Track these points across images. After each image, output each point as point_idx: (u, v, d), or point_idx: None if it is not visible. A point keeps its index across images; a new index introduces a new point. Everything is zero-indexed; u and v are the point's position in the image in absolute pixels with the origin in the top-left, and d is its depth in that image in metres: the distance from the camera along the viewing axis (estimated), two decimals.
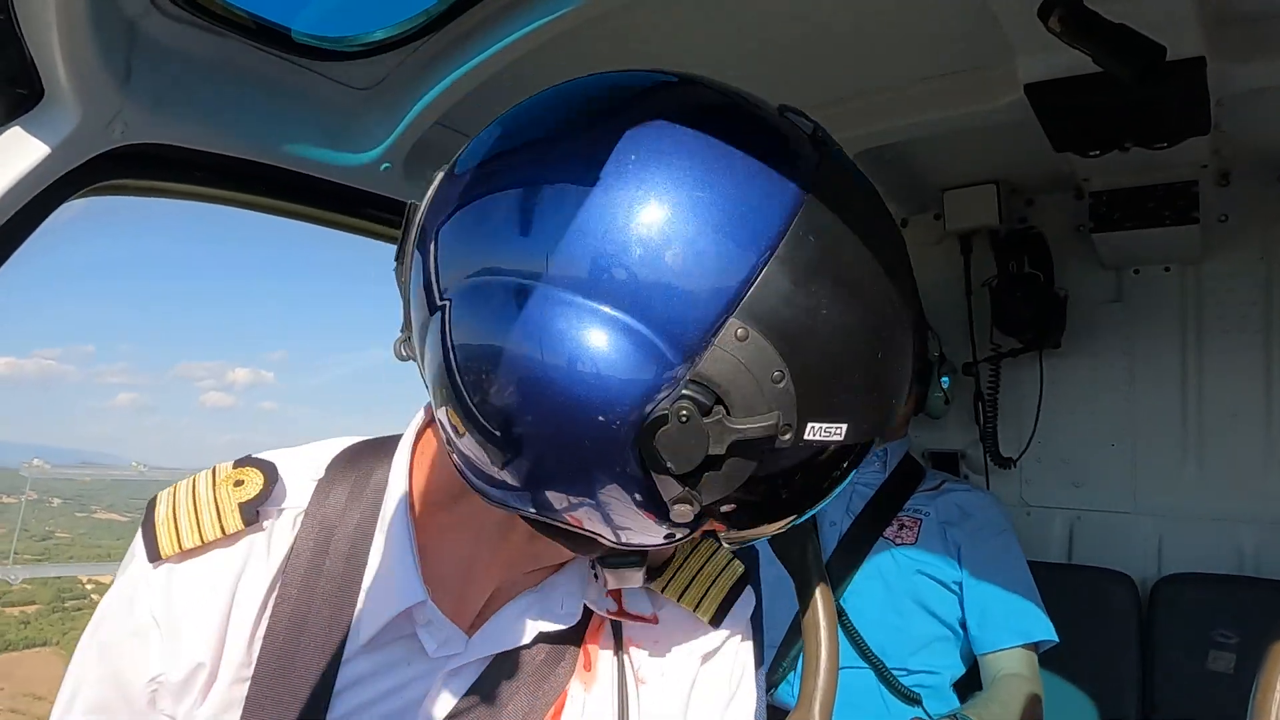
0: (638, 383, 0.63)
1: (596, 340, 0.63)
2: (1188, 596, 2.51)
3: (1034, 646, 2.19)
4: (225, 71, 1.40)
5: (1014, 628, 2.18)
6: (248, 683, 0.83)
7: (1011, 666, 2.16)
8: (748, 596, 1.00)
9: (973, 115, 2.10)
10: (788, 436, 0.64)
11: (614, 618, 0.94)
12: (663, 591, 0.95)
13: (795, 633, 2.21)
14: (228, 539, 0.85)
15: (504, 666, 0.89)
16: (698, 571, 0.96)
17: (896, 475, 2.44)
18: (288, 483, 0.90)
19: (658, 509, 0.67)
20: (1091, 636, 2.52)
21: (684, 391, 0.63)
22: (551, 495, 0.69)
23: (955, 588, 2.26)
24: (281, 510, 0.89)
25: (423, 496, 0.90)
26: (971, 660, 2.27)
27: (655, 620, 0.94)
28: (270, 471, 0.90)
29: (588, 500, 0.68)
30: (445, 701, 0.86)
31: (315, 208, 1.66)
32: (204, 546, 0.85)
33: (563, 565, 0.93)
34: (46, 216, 1.22)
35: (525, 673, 0.89)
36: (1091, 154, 2.17)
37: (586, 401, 0.63)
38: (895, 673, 2.21)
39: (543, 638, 0.90)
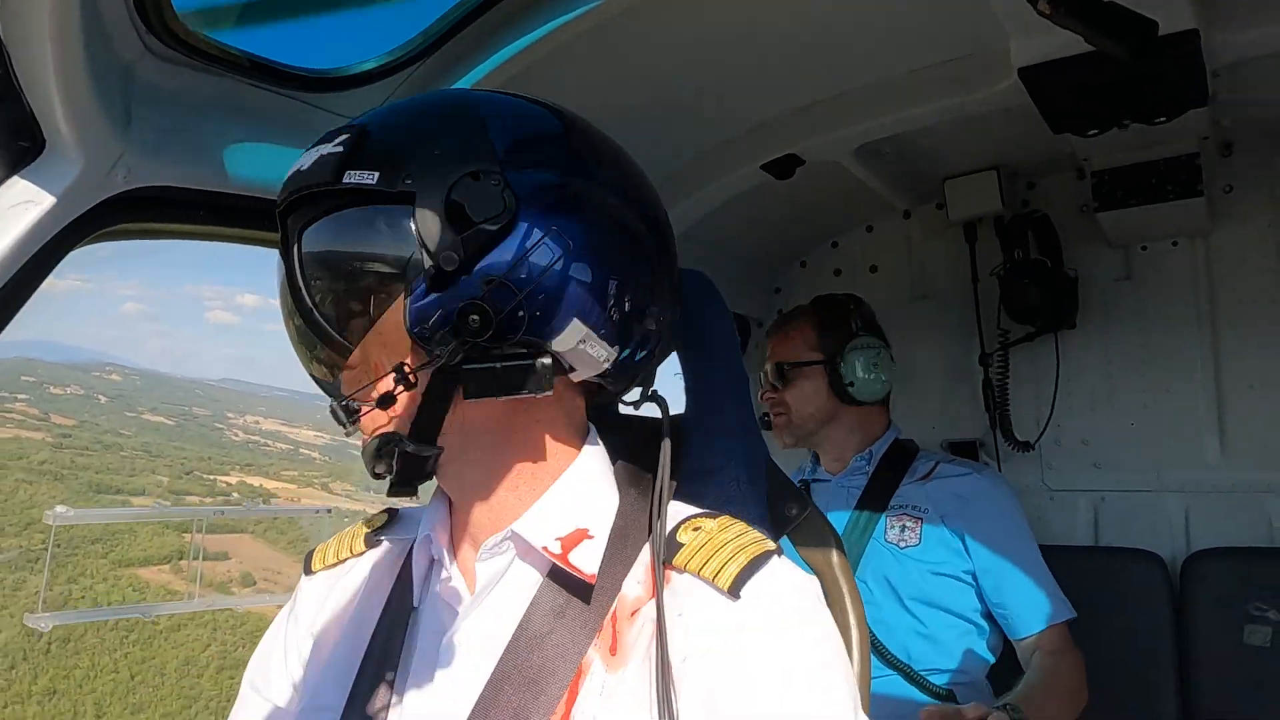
0: None
1: None
2: (1219, 572, 2.48)
3: (1063, 623, 2.17)
4: (223, 109, 1.41)
5: (1036, 613, 2.16)
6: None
7: (1045, 645, 2.14)
8: (778, 570, 0.93)
9: (968, 103, 2.10)
10: None
11: (552, 557, 0.94)
12: (686, 565, 0.92)
13: None
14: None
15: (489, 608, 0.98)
16: (721, 546, 0.93)
17: (882, 468, 2.40)
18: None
19: None
20: (1124, 618, 2.49)
21: None
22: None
23: (969, 579, 2.23)
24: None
25: None
26: (1003, 646, 2.26)
27: (593, 580, 0.92)
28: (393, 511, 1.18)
29: None
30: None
31: None
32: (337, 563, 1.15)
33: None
34: (56, 264, 1.23)
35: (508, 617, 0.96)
36: (1090, 133, 2.16)
37: None
38: (926, 674, 2.19)
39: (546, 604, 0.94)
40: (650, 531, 0.97)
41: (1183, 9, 1.66)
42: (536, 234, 0.88)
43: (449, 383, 0.90)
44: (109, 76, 1.21)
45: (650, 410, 1.10)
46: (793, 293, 3.26)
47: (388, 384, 0.90)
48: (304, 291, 0.93)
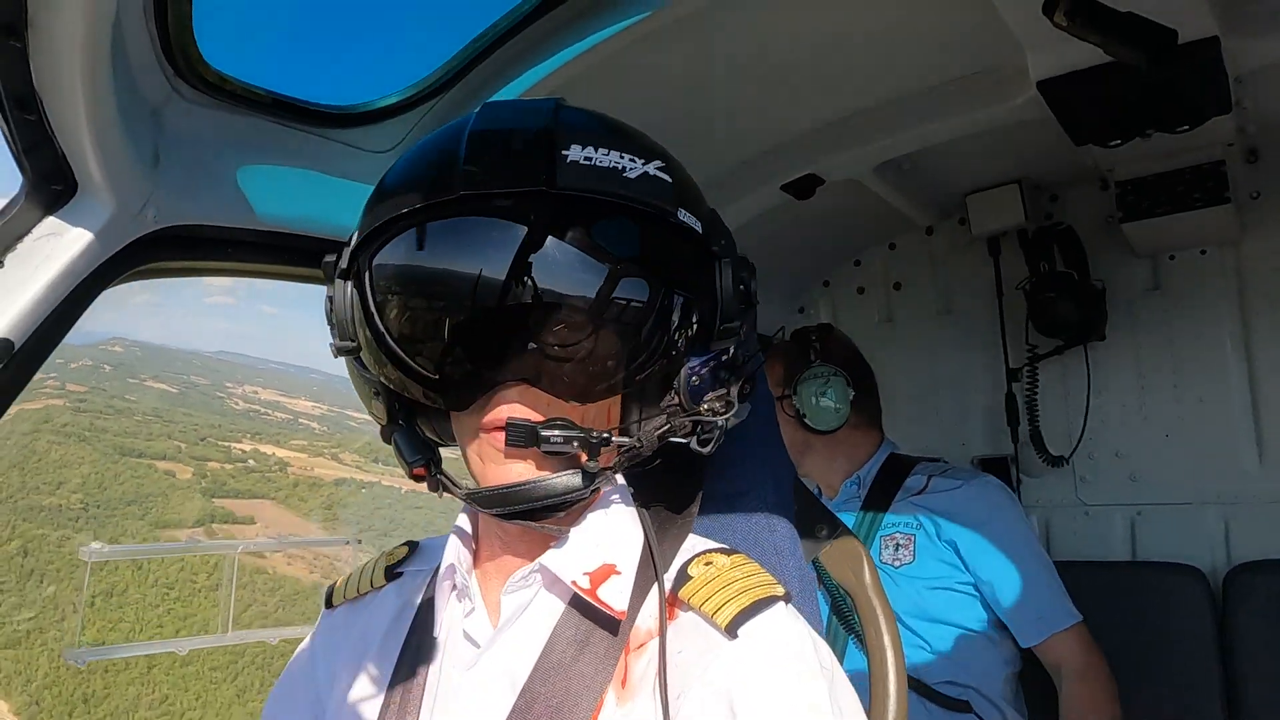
0: None
1: None
2: (1263, 584, 2.42)
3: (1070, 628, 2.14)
4: (249, 148, 1.44)
5: (1038, 620, 2.14)
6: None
7: (1063, 654, 2.12)
8: (780, 616, 0.92)
9: (988, 117, 2.09)
10: None
11: (581, 592, 0.93)
12: (690, 600, 0.92)
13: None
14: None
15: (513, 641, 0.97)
16: (729, 584, 0.93)
17: (874, 490, 2.38)
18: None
19: None
20: (1166, 634, 2.44)
21: None
22: None
23: (970, 589, 2.20)
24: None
25: None
26: (1020, 652, 2.22)
27: (622, 617, 0.92)
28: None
29: None
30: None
31: None
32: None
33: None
34: (90, 303, 1.25)
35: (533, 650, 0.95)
36: (1113, 144, 2.14)
37: None
38: (939, 686, 2.16)
39: (567, 631, 0.94)
40: (658, 568, 0.99)
41: (1202, 17, 1.64)
42: (744, 283, 0.98)
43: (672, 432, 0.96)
44: (138, 120, 1.24)
45: None
46: (816, 312, 3.25)
47: (660, 422, 0.94)
48: (613, 301, 0.88)
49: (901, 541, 2.26)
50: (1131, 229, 2.48)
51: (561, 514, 0.94)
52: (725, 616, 0.89)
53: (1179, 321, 2.71)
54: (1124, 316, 2.76)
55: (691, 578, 0.94)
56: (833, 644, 1.86)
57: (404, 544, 1.18)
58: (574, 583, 0.94)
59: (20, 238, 1.18)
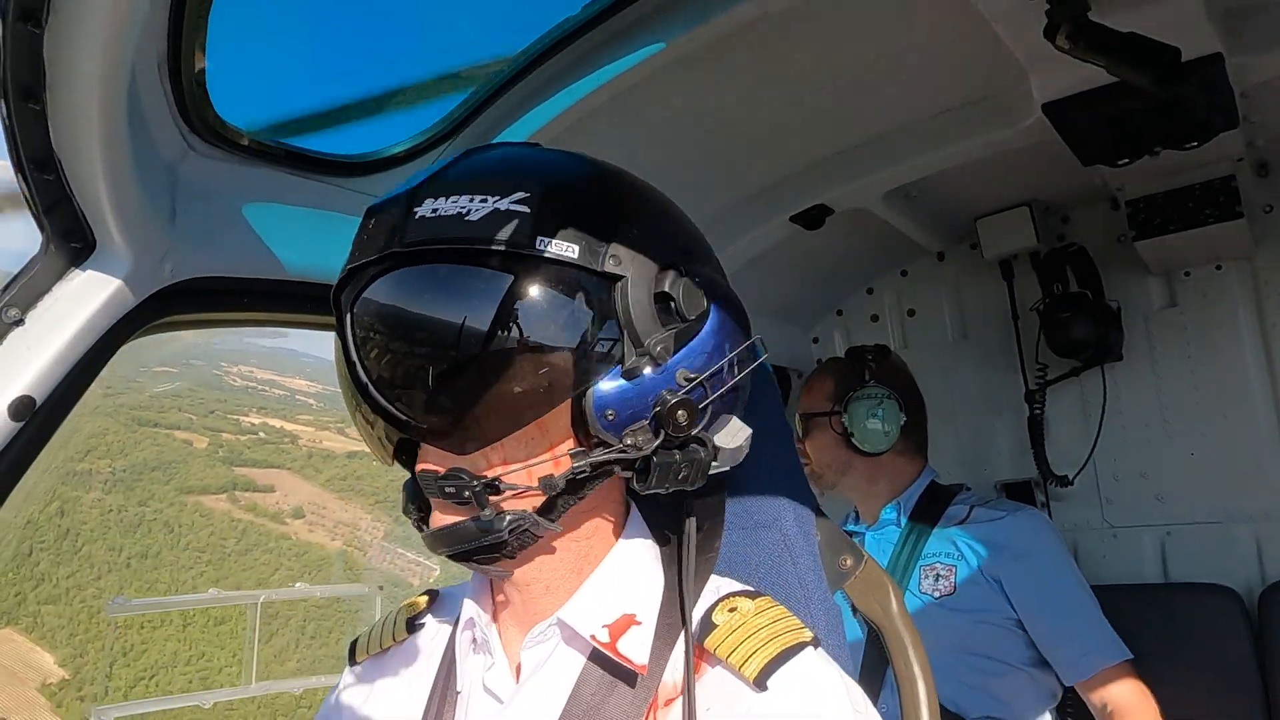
0: None
1: None
2: None
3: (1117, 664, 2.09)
4: (262, 199, 1.46)
5: (1084, 657, 2.09)
6: None
7: (1111, 692, 2.07)
8: (809, 662, 0.89)
9: (995, 141, 2.10)
10: None
11: (600, 646, 0.91)
12: (716, 650, 0.90)
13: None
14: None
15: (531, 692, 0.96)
16: (755, 632, 0.90)
17: (914, 517, 2.35)
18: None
19: None
20: (1202, 656, 2.39)
21: None
22: None
23: (1013, 625, 2.16)
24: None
25: None
26: (1065, 688, 2.18)
27: (644, 671, 0.90)
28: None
29: None
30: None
31: None
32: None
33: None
34: (109, 358, 1.27)
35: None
36: (1121, 163, 2.14)
37: None
38: None
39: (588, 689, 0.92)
40: (684, 619, 0.95)
41: (1205, 34, 1.65)
42: (722, 332, 0.93)
43: (603, 472, 0.90)
44: (154, 176, 1.26)
45: None
46: (830, 342, 3.25)
47: (549, 468, 0.89)
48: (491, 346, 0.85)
49: (942, 572, 2.23)
50: (1144, 247, 2.47)
51: (506, 559, 0.92)
52: (753, 669, 0.86)
53: (1197, 338, 2.68)
54: (1140, 335, 2.74)
55: (716, 626, 0.91)
56: (870, 677, 1.84)
57: (425, 593, 1.17)
58: (593, 636, 0.92)
59: (41, 295, 1.19)
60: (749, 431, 0.95)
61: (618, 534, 1.00)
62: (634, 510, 1.04)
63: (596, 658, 0.93)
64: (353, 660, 1.16)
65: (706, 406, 0.91)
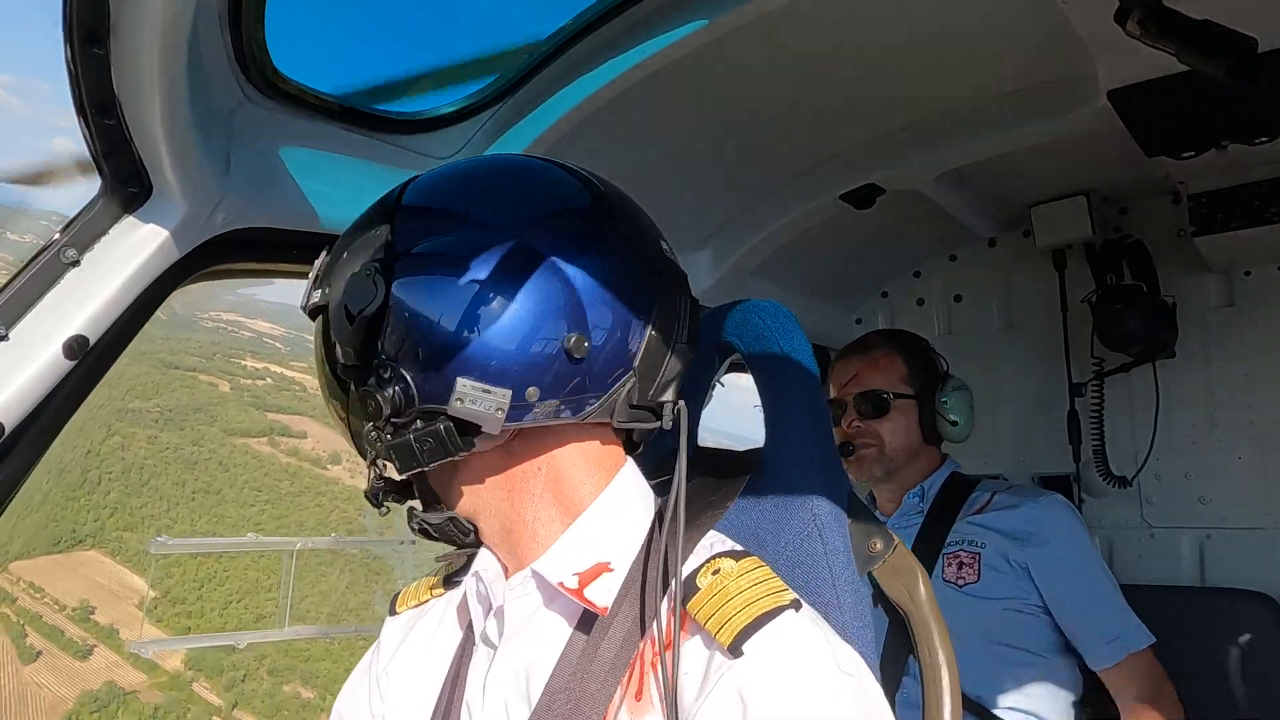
0: None
1: None
2: None
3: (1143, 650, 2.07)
4: (315, 153, 1.47)
5: (1111, 643, 2.06)
6: None
7: (1135, 678, 2.05)
8: (789, 625, 0.87)
9: (1056, 127, 2.05)
10: None
11: (567, 592, 0.93)
12: (696, 615, 0.89)
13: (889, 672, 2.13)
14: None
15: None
16: (733, 596, 0.89)
17: (937, 505, 2.32)
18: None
19: None
20: (1235, 663, 2.35)
21: None
22: None
23: (1038, 612, 2.14)
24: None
25: None
26: (1086, 677, 2.15)
27: (604, 612, 0.92)
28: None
29: None
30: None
31: None
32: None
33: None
34: (160, 304, 1.30)
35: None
36: (1185, 156, 2.08)
37: None
38: (1003, 712, 2.10)
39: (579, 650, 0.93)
40: (667, 572, 0.94)
41: None
42: (407, 311, 0.91)
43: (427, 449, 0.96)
44: (211, 125, 1.28)
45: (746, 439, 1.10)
46: (873, 323, 3.21)
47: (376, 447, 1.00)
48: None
49: (965, 560, 2.20)
50: (1205, 243, 2.40)
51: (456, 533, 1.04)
52: (728, 635, 0.85)
53: (1253, 339, 2.61)
54: (1195, 333, 2.67)
55: (699, 589, 0.91)
56: (892, 663, 1.84)
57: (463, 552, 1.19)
58: (560, 584, 0.94)
59: (97, 237, 1.22)
60: (468, 388, 0.89)
61: (595, 492, 1.00)
62: (627, 467, 1.04)
63: (584, 618, 0.95)
64: (393, 612, 1.21)
65: (407, 386, 0.91)
